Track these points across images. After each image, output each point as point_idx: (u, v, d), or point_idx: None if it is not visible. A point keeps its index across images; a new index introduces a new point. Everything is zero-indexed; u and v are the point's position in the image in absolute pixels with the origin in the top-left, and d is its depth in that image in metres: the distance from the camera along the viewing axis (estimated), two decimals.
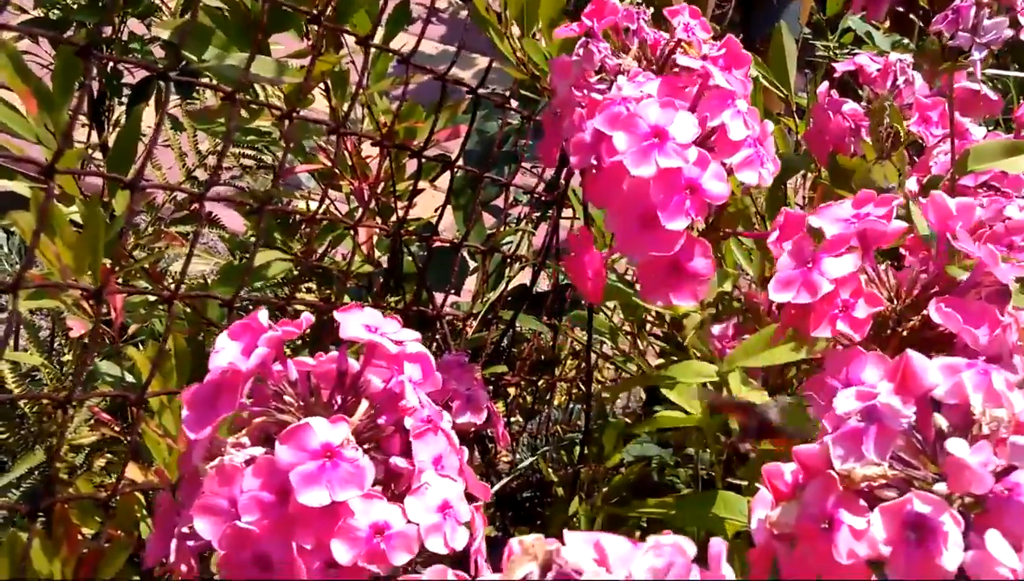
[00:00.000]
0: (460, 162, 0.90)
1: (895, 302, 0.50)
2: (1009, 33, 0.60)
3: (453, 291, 1.16)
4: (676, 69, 0.60)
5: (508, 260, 1.07)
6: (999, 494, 0.38)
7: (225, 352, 0.52)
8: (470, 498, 0.55)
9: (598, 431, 1.14)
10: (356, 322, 0.53)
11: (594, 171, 0.56)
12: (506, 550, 0.31)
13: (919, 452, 0.41)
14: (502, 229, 1.02)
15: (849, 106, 0.85)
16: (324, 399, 0.54)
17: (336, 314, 0.53)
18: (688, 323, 0.67)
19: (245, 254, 0.88)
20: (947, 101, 0.70)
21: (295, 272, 0.98)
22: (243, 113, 0.85)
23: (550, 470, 1.28)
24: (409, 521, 0.49)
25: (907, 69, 0.87)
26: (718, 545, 0.29)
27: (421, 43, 0.80)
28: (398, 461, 0.52)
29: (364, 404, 0.52)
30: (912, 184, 0.84)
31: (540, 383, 1.32)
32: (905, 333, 0.49)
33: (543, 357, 1.24)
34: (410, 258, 1.05)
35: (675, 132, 0.54)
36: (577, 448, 1.20)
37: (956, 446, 0.38)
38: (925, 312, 0.47)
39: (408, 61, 0.77)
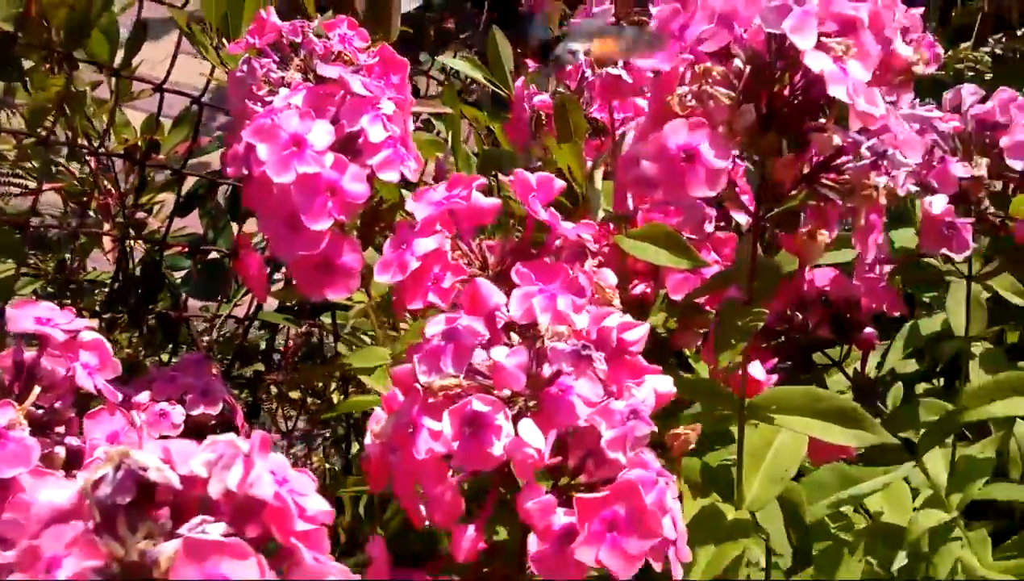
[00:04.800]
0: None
1: (487, 271, 0.57)
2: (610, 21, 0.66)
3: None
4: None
5: None
6: (552, 394, 0.46)
7: None
8: None
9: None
10: (27, 316, 0.58)
11: (248, 180, 0.61)
12: None
13: None
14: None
15: (539, 97, 0.90)
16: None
17: (8, 309, 0.58)
18: (351, 313, 0.73)
19: None
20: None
21: (49, 289, 1.01)
22: None
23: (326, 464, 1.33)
24: None
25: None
26: None
27: None
28: (71, 440, 0.57)
29: (36, 389, 0.57)
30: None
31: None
32: None
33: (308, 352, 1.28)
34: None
35: (313, 139, 0.60)
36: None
37: (496, 352, 0.46)
38: None
39: (119, 74, 0.81)
